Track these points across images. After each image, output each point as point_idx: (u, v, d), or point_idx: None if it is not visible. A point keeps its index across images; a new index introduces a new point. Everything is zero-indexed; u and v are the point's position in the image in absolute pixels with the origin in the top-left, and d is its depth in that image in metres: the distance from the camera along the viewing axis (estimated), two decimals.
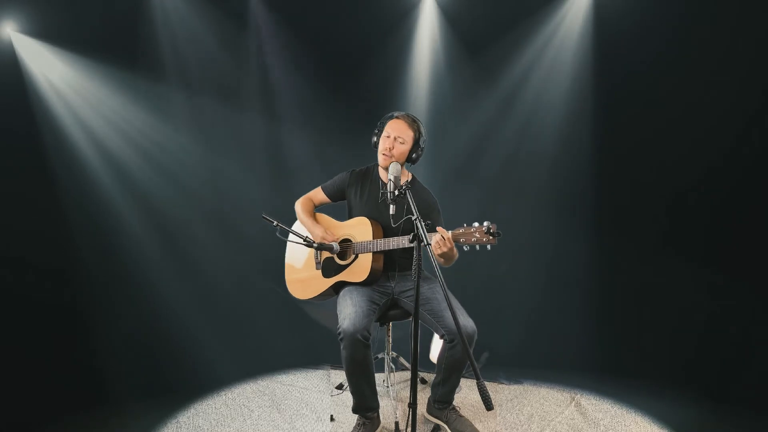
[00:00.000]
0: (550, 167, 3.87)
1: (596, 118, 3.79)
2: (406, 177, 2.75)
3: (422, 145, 2.68)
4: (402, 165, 2.65)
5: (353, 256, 2.71)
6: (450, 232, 2.28)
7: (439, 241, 2.26)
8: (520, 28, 3.84)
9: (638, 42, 3.59)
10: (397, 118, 2.67)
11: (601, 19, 3.70)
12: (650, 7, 3.54)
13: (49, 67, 3.52)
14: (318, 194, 2.92)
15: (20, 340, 3.19)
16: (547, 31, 3.83)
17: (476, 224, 2.25)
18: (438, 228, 2.28)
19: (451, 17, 3.91)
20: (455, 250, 2.36)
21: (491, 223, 2.22)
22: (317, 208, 2.94)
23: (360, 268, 2.66)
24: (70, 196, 3.55)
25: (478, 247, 2.25)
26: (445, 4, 3.92)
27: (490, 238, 2.21)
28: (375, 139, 2.72)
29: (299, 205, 2.91)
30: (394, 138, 2.62)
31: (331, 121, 4.03)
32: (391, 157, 2.61)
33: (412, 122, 2.67)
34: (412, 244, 2.11)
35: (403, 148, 2.62)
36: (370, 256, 2.64)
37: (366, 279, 2.64)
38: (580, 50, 3.78)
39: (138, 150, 3.76)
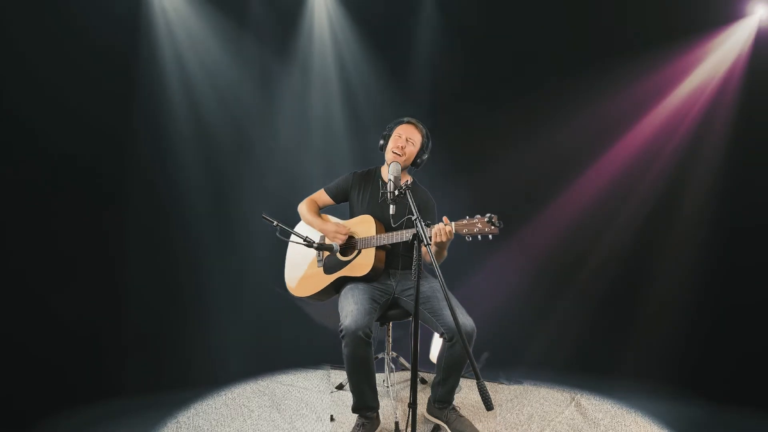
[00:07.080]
0: (550, 167, 3.87)
1: (597, 114, 3.80)
2: (406, 179, 2.79)
3: (427, 152, 2.79)
4: (405, 168, 2.77)
5: (356, 252, 2.72)
6: (453, 223, 2.34)
7: (442, 228, 2.32)
8: None
9: None
10: (407, 123, 2.78)
11: None
12: None
13: None
14: (321, 196, 2.95)
15: (21, 338, 3.19)
16: None
17: (478, 216, 2.33)
18: (444, 218, 2.35)
19: (454, 17, 3.92)
20: (447, 245, 2.42)
21: (492, 214, 2.29)
22: (321, 210, 2.97)
23: (362, 263, 2.68)
24: (70, 195, 3.54)
25: (480, 237, 2.31)
26: (448, 5, 3.93)
27: (492, 227, 2.28)
28: (382, 141, 2.81)
29: (304, 207, 2.93)
30: (406, 138, 2.71)
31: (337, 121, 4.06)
32: (402, 155, 2.68)
33: (421, 127, 2.78)
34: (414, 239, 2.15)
35: (413, 149, 2.73)
36: (372, 251, 2.65)
37: (368, 273, 2.65)
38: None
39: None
